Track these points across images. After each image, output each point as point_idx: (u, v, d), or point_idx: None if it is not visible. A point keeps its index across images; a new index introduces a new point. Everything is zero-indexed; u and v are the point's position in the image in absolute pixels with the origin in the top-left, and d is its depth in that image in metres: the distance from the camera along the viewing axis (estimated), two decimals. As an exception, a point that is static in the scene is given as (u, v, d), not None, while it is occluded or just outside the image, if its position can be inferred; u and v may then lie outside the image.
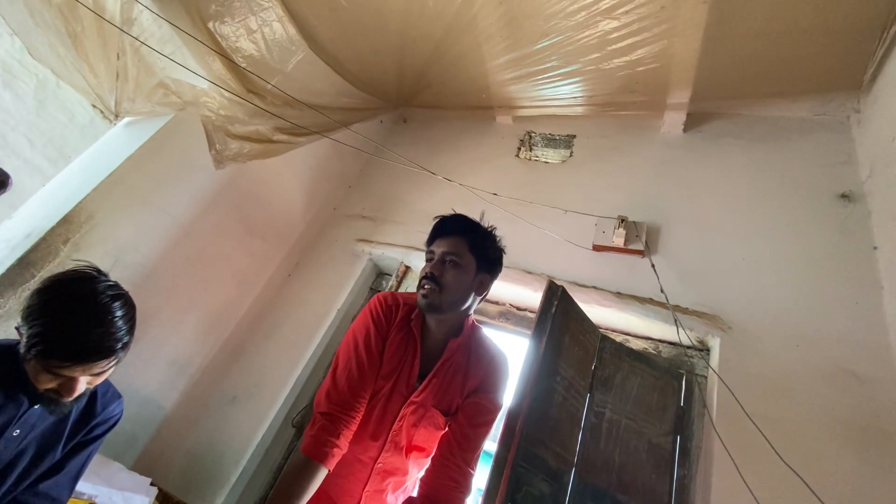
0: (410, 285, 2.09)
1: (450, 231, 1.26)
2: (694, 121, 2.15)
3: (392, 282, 2.16)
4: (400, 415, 1.18)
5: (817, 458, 1.28)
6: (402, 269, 2.12)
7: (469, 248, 1.23)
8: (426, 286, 1.19)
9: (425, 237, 2.16)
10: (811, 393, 1.40)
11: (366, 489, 1.16)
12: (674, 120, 2.15)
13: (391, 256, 2.22)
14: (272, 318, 2.18)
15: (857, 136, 1.86)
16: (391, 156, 2.39)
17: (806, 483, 1.20)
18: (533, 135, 2.47)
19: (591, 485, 1.41)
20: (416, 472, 1.21)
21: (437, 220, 1.30)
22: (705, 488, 1.38)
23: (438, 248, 1.24)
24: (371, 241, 2.30)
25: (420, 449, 1.20)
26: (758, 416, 1.34)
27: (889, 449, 1.26)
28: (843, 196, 1.73)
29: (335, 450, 1.06)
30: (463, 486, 1.14)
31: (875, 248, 1.58)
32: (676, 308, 1.66)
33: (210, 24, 1.62)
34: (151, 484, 1.48)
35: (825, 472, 1.24)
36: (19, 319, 0.89)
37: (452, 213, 1.31)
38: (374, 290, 2.34)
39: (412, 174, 2.37)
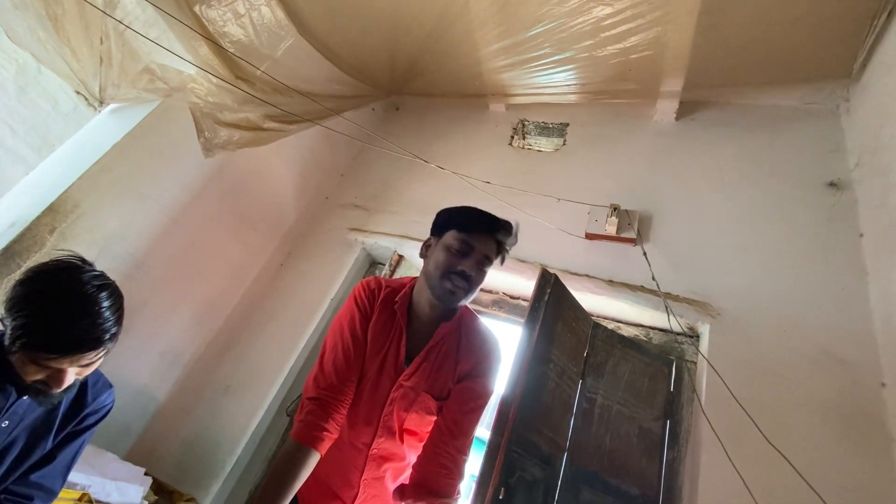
0: (404, 274, 2.09)
1: (492, 230, 1.18)
2: (686, 109, 2.16)
3: (385, 271, 2.16)
4: (389, 398, 1.17)
5: (802, 440, 1.31)
6: (396, 258, 2.12)
7: (497, 252, 1.19)
8: (459, 284, 1.12)
9: (418, 226, 2.20)
10: (797, 377, 1.43)
11: (363, 476, 1.16)
12: (666, 108, 2.15)
13: (384, 246, 2.22)
14: (265, 307, 2.17)
15: (845, 125, 1.87)
16: (383, 144, 2.37)
17: (791, 463, 1.23)
18: (526, 123, 2.46)
19: (583, 469, 1.43)
20: (413, 459, 1.20)
21: (483, 213, 1.20)
22: (694, 470, 1.41)
23: (480, 246, 1.15)
24: (364, 231, 2.28)
25: (413, 433, 1.19)
26: (745, 400, 1.37)
27: (871, 430, 1.30)
28: (832, 184, 1.75)
29: (325, 434, 1.05)
30: (454, 473, 1.13)
31: (861, 235, 1.61)
32: (667, 295, 1.68)
33: (196, 8, 1.58)
34: (145, 474, 1.48)
35: (809, 452, 1.28)
36: (2, 311, 0.87)
37: (489, 212, 1.22)
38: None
39: (405, 163, 2.35)
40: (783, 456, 1.25)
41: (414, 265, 2.15)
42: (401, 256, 2.11)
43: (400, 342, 1.19)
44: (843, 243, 1.62)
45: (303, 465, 1.02)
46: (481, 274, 1.16)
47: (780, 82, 1.99)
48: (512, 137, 2.44)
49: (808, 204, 1.74)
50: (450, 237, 1.17)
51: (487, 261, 1.16)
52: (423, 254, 1.23)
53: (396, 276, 2.14)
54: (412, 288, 1.25)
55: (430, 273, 1.16)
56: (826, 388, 1.39)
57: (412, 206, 2.32)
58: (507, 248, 1.21)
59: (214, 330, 2.04)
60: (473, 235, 1.16)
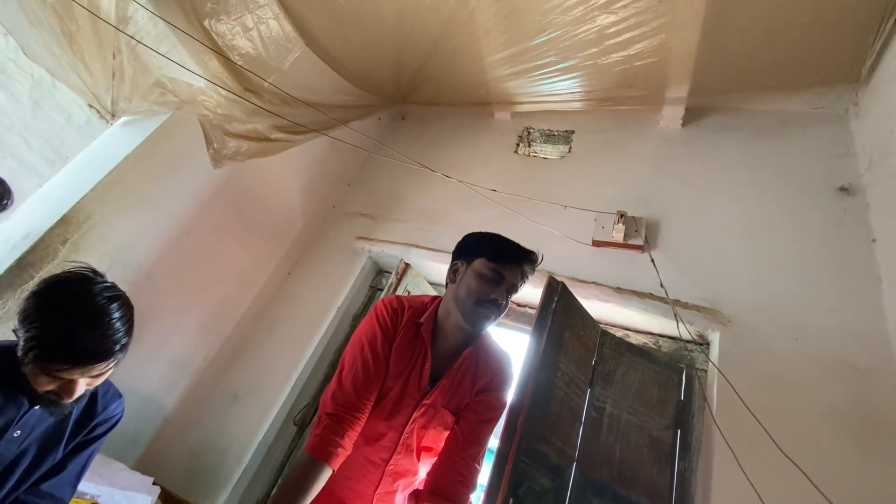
0: (410, 282, 2.09)
1: (520, 261, 1.21)
2: (692, 115, 2.15)
3: (392, 279, 2.16)
4: (412, 418, 1.18)
5: (816, 449, 1.28)
6: (402, 266, 2.12)
7: (521, 280, 1.23)
8: (490, 310, 1.17)
9: (425, 234, 2.20)
10: (810, 385, 1.40)
11: (377, 491, 1.17)
12: (672, 114, 2.15)
13: (391, 254, 2.22)
14: (273, 316, 2.18)
15: (855, 129, 1.85)
16: (390, 153, 2.39)
17: (804, 473, 1.20)
18: (531, 130, 2.47)
19: (593, 479, 1.41)
20: (425, 472, 1.22)
21: (513, 244, 1.24)
22: (706, 481, 1.38)
23: (510, 276, 1.19)
24: (370, 239, 2.29)
25: (429, 449, 1.21)
26: (757, 409, 1.34)
27: (886, 438, 1.27)
28: (842, 189, 1.73)
29: (339, 450, 1.06)
30: (468, 481, 1.16)
31: (874, 240, 1.58)
32: (676, 302, 1.67)
33: (206, 22, 1.61)
34: (154, 483, 1.49)
35: (824, 462, 1.25)
36: (16, 322, 0.89)
37: (518, 243, 1.25)
38: (373, 287, 2.34)
39: (411, 171, 2.37)
40: (797, 466, 1.22)
41: (420, 273, 2.15)
42: (407, 265, 2.11)
43: (424, 364, 1.21)
44: (856, 248, 1.59)
45: (315, 479, 1.02)
46: (508, 301, 1.21)
47: (787, 87, 1.98)
48: (517, 145, 2.45)
49: (819, 209, 1.72)
50: (480, 265, 1.20)
51: (514, 289, 1.21)
52: (452, 278, 1.26)
53: (403, 283, 2.14)
54: (436, 309, 1.27)
55: (461, 298, 1.19)
56: (839, 395, 1.36)
57: (418, 214, 2.33)
58: (529, 275, 1.24)
59: (222, 338, 2.05)
60: (504, 265, 1.19)
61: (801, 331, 1.50)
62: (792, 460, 1.23)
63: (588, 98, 2.23)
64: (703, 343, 1.68)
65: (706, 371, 1.62)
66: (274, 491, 1.81)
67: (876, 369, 1.37)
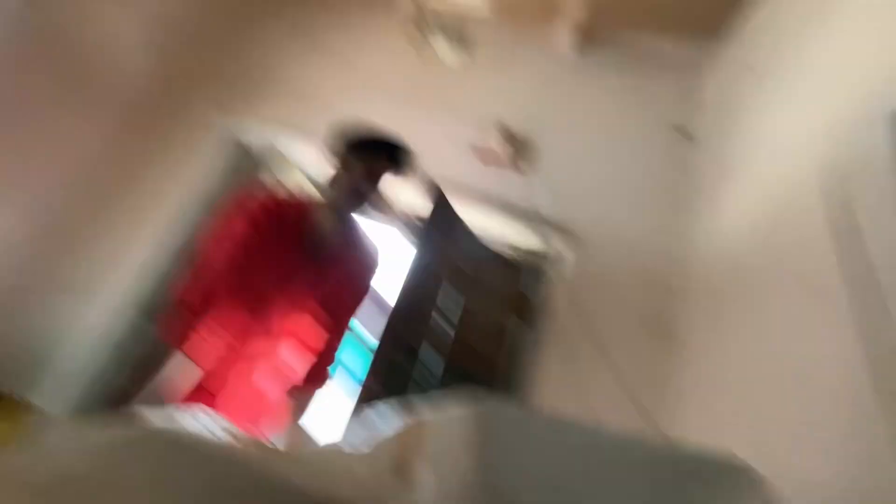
0: (279, 168, 1.90)
1: (382, 148, 1.23)
2: (585, 43, 2.18)
3: (259, 164, 1.93)
4: (278, 305, 1.21)
5: (625, 347, 1.59)
6: (271, 150, 1.89)
7: (391, 171, 1.24)
8: (353, 198, 1.21)
9: (300, 116, 1.98)
10: (633, 298, 1.70)
11: (236, 372, 1.19)
12: (566, 41, 2.17)
13: (259, 135, 1.98)
14: (118, 200, 1.85)
15: (707, 79, 2.10)
16: (266, 13, 1.98)
17: (608, 364, 1.52)
18: (431, 26, 2.26)
19: (455, 367, 1.62)
20: (288, 357, 1.26)
21: (376, 132, 1.24)
22: (535, 367, 1.66)
23: (372, 164, 1.21)
24: (236, 117, 1.99)
25: (293, 334, 1.26)
26: (590, 313, 1.61)
27: (673, 343, 1.61)
28: (685, 133, 1.99)
29: (196, 338, 1.06)
30: (330, 361, 1.31)
31: (701, 180, 1.87)
32: (539, 218, 1.83)
33: None
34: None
35: (629, 357, 1.57)
36: None
37: (384, 132, 1.25)
38: (238, 172, 2.08)
39: (289, 44, 2.04)
40: (603, 355, 1.53)
41: (290, 158, 1.96)
42: (276, 149, 1.88)
43: (293, 255, 1.21)
44: (686, 187, 1.86)
45: (173, 368, 1.03)
46: (373, 190, 1.22)
47: (664, 28, 2.11)
48: (416, 40, 2.23)
49: (664, 148, 1.96)
50: (344, 154, 1.22)
51: (377, 178, 1.22)
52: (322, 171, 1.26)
53: (271, 169, 1.93)
54: (307, 202, 1.27)
55: (326, 190, 1.23)
56: (652, 308, 1.67)
57: (293, 93, 2.07)
58: (401, 167, 1.24)
59: (51, 223, 1.69)
60: (366, 154, 1.21)
61: (634, 253, 1.78)
62: (602, 354, 1.53)
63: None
64: (556, 257, 1.90)
65: (554, 280, 1.87)
66: (126, 384, 1.68)
67: (681, 288, 1.68)
